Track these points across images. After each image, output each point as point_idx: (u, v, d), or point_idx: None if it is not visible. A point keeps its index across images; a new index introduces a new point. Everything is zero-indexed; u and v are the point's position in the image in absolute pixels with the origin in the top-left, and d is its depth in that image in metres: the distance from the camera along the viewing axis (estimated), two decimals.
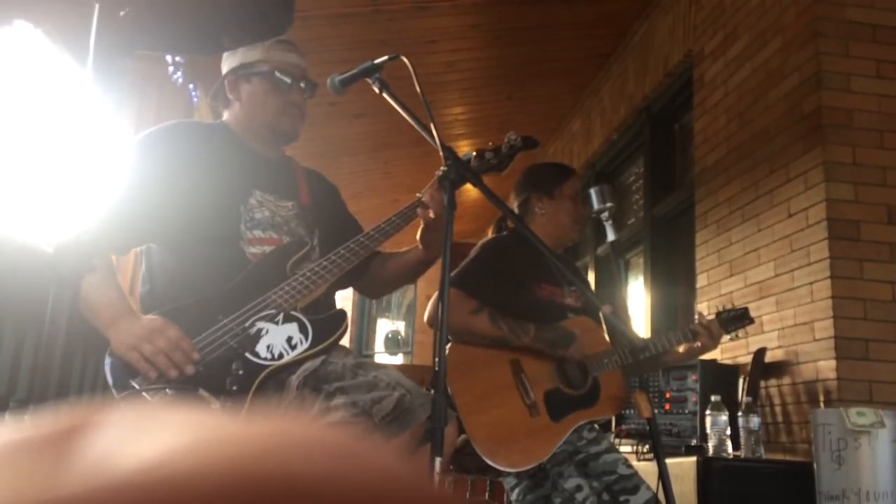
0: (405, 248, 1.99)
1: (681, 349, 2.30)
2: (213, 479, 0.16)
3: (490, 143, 2.04)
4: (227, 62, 1.89)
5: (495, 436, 2.07)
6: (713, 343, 2.27)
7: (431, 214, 1.80)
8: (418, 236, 1.89)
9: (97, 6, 1.05)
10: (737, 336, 2.34)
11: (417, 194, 1.88)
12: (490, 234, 2.51)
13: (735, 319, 2.32)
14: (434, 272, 1.60)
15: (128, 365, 1.53)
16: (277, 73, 1.85)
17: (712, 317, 2.31)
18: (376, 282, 2.03)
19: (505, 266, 2.26)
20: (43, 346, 1.02)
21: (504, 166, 2.03)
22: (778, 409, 3.04)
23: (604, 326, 2.34)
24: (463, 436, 2.00)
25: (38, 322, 2.03)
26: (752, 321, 2.36)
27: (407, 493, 0.18)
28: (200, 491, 0.16)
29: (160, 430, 0.18)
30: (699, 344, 2.26)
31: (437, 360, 1.48)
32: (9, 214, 2.45)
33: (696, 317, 2.35)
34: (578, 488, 2.10)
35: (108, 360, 1.56)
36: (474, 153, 2.01)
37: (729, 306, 2.37)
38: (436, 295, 2.02)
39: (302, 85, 1.88)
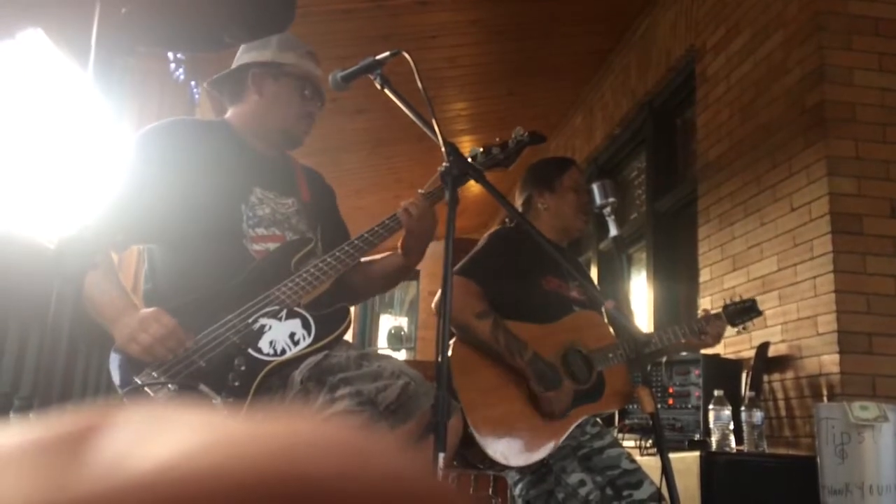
0: (382, 255, 1.98)
1: (683, 342, 2.31)
2: (228, 479, 0.16)
3: (497, 139, 2.03)
4: (253, 54, 1.89)
5: (500, 430, 2.07)
6: (716, 339, 2.27)
7: (413, 221, 1.81)
8: (399, 242, 1.89)
9: (98, 4, 1.05)
10: (744, 328, 2.34)
11: (419, 191, 1.88)
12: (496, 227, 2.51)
13: (743, 312, 2.31)
14: (437, 267, 1.59)
15: (131, 360, 1.54)
16: (306, 82, 1.89)
17: (717, 311, 2.31)
18: (351, 289, 1.98)
19: (512, 256, 2.27)
20: (47, 344, 1.02)
21: (511, 162, 2.03)
22: (781, 404, 3.04)
23: (607, 321, 2.34)
24: (468, 430, 2.00)
25: (41, 319, 2.04)
26: (759, 313, 2.36)
27: (419, 492, 0.18)
28: (216, 491, 0.16)
29: (174, 431, 0.18)
30: (703, 338, 2.26)
31: (439, 353, 1.48)
32: (12, 211, 2.45)
33: (701, 311, 2.35)
34: (582, 483, 2.10)
35: (112, 357, 1.56)
36: (481, 149, 2.01)
37: (736, 299, 2.37)
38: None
39: (318, 100, 1.93)
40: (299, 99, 1.88)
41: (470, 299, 2.13)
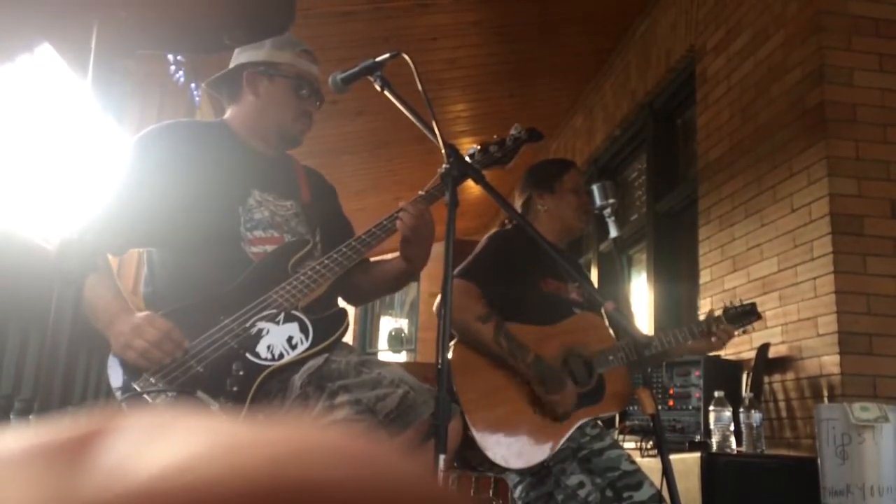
0: (389, 258, 1.98)
1: (689, 344, 2.30)
2: (232, 486, 0.16)
3: (494, 136, 2.03)
4: (248, 54, 1.88)
5: (500, 432, 2.07)
6: (723, 344, 2.27)
7: (408, 229, 1.78)
8: (399, 251, 1.87)
9: (98, 8, 1.05)
10: (744, 332, 2.34)
11: (420, 192, 1.88)
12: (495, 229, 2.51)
13: (743, 315, 2.31)
14: (438, 269, 1.59)
15: (129, 365, 1.53)
16: (302, 81, 1.88)
17: (719, 312, 2.31)
18: (356, 289, 1.98)
19: (511, 258, 2.27)
20: (47, 346, 1.02)
21: (508, 160, 2.02)
22: (782, 405, 3.04)
23: (607, 322, 2.34)
24: (468, 431, 2.00)
25: (42, 322, 2.04)
26: (759, 317, 2.35)
27: (424, 499, 0.18)
28: (220, 498, 0.16)
29: (177, 437, 0.18)
30: (711, 340, 2.25)
31: (440, 354, 1.48)
32: (13, 214, 2.45)
33: (706, 314, 2.34)
34: (581, 485, 2.10)
35: (110, 363, 1.55)
36: (478, 147, 2.00)
37: (736, 302, 2.37)
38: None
39: (316, 99, 1.92)
40: (295, 98, 1.87)
41: (471, 302, 2.13)
